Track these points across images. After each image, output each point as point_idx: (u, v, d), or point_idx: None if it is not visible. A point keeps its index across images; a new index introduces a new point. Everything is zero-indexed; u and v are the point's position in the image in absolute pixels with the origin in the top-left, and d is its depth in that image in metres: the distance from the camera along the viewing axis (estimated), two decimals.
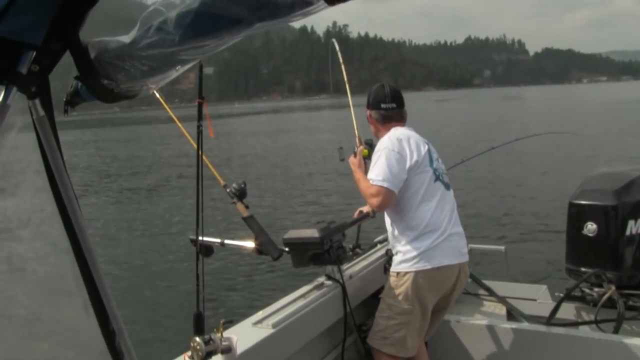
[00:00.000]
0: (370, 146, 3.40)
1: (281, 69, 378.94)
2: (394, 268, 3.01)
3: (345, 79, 4.00)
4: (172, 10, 1.06)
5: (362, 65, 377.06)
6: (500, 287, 3.94)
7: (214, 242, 2.93)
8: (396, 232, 3.04)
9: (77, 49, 1.11)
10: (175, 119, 3.04)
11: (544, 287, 4.07)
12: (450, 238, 2.97)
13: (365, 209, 3.60)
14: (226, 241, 2.99)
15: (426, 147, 3.07)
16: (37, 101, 1.13)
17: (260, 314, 2.76)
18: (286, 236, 2.98)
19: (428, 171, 3.00)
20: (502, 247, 4.21)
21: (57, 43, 1.08)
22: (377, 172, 2.95)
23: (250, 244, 2.88)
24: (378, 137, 3.19)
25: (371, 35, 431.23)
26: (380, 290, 3.56)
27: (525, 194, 14.28)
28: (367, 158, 3.37)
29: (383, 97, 3.20)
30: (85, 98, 1.25)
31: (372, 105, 3.24)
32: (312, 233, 2.93)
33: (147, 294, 8.80)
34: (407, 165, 2.95)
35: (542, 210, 12.15)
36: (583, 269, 3.55)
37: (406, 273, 2.93)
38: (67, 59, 1.13)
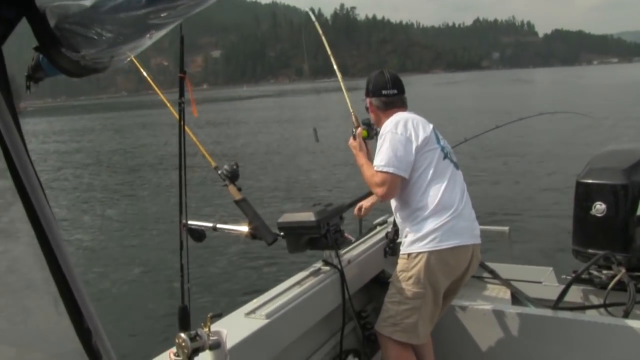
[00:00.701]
0: (369, 126, 3.28)
1: (288, 52, 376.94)
2: (404, 250, 2.88)
3: (331, 56, 3.80)
4: None
5: (370, 48, 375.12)
6: (504, 269, 3.81)
7: (206, 227, 2.84)
8: (405, 213, 2.90)
9: (33, 15, 0.98)
10: (159, 93, 2.97)
11: (550, 269, 3.91)
12: (463, 217, 2.84)
13: (367, 202, 3.52)
14: (218, 225, 2.87)
15: (431, 126, 2.97)
16: None
17: (252, 304, 2.62)
18: (280, 220, 2.88)
19: (436, 149, 2.89)
20: (505, 228, 4.02)
21: (10, 9, 0.96)
22: (382, 157, 2.84)
23: (243, 229, 2.78)
24: (379, 126, 3.07)
25: (379, 17, 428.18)
26: (379, 275, 3.54)
27: (531, 174, 14.11)
28: (368, 139, 3.26)
29: (384, 83, 3.10)
30: (49, 72, 1.14)
31: (373, 92, 3.13)
32: (308, 217, 2.82)
33: (128, 287, 8.40)
34: (414, 146, 2.84)
35: (548, 190, 11.90)
36: (591, 251, 3.42)
37: (418, 254, 2.80)
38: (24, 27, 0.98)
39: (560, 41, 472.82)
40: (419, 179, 2.83)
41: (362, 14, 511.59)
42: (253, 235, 2.75)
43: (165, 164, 19.97)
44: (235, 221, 2.89)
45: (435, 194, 2.80)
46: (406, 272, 2.82)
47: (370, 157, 3.09)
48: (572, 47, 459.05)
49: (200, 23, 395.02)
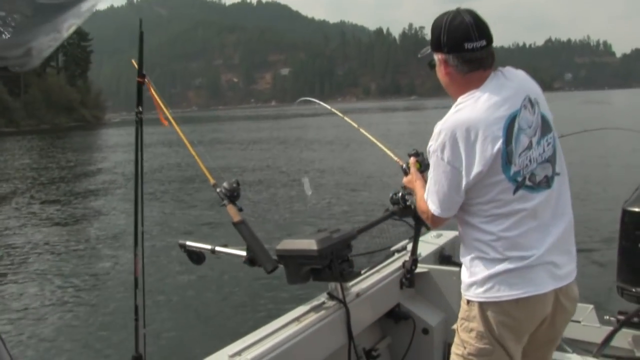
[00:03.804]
0: (419, 155, 2.75)
1: (356, 71, 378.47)
2: (463, 292, 2.19)
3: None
4: None
5: None
6: None
7: (204, 249, 2.70)
8: (466, 240, 2.17)
9: None
10: (162, 105, 2.83)
11: (590, 307, 3.45)
12: (540, 261, 2.07)
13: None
14: (217, 248, 2.69)
15: (501, 138, 1.97)
16: None
17: (239, 344, 2.30)
18: (279, 247, 2.58)
19: (499, 182, 2.01)
20: None
21: None
22: (427, 188, 2.19)
23: (243, 253, 2.59)
24: (454, 99, 2.16)
25: None
26: (394, 309, 3.25)
27: (574, 195, 13.40)
28: (422, 171, 2.66)
29: (466, 31, 2.03)
30: None
31: (449, 45, 2.07)
32: (309, 244, 2.49)
33: (75, 331, 6.94)
34: (464, 183, 2.02)
35: (591, 216, 10.71)
36: (639, 290, 3.02)
37: (474, 302, 2.14)
38: None
39: None
40: (480, 209, 2.08)
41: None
42: (252, 261, 2.55)
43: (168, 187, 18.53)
44: (237, 244, 2.66)
45: (500, 234, 2.05)
46: (467, 322, 2.19)
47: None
48: None
49: (270, 40, 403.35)
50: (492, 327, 2.10)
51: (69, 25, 0.94)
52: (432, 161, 2.13)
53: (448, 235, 3.88)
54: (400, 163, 2.98)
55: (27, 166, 27.25)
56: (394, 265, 3.31)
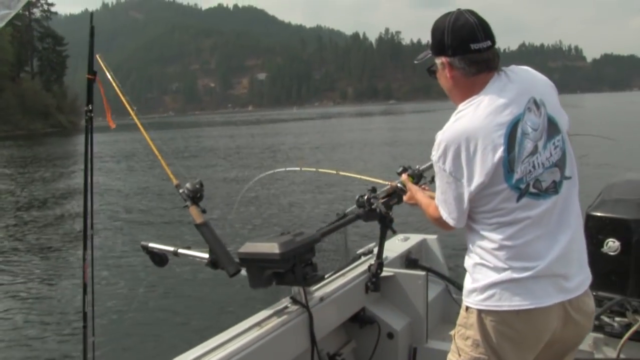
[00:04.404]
0: (406, 169, 2.78)
1: (333, 75, 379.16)
2: (464, 298, 2.09)
3: None
4: None
5: (415, 72, 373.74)
6: None
7: (167, 250, 2.65)
8: (470, 245, 2.08)
9: None
10: (133, 115, 2.78)
11: None
12: (546, 272, 1.94)
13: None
14: (180, 250, 2.64)
15: (502, 146, 1.88)
16: None
17: (197, 350, 2.23)
18: (242, 250, 2.52)
19: (502, 191, 1.92)
20: None
21: None
22: (436, 196, 2.11)
23: (205, 256, 2.55)
24: (456, 104, 2.03)
25: (423, 41, 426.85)
26: (359, 313, 3.21)
27: None
28: (418, 181, 2.74)
29: (472, 30, 1.93)
30: None
31: (454, 47, 1.96)
32: (271, 248, 2.43)
33: (21, 340, 6.58)
34: (465, 194, 1.95)
35: None
36: (601, 294, 2.99)
37: (472, 309, 2.04)
38: None
39: (610, 66, 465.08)
40: (484, 217, 2.00)
41: (407, 38, 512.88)
42: (214, 264, 2.51)
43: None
44: (201, 246, 2.60)
45: (504, 242, 1.96)
46: (464, 329, 2.09)
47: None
48: (623, 72, 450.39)
49: (247, 45, 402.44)
50: (489, 336, 2.00)
51: (1, 15, 0.89)
52: (435, 170, 2.06)
53: (415, 238, 3.86)
54: (393, 184, 2.95)
55: None
56: (359, 269, 3.26)
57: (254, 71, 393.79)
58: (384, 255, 3.24)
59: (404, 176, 2.65)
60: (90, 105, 2.09)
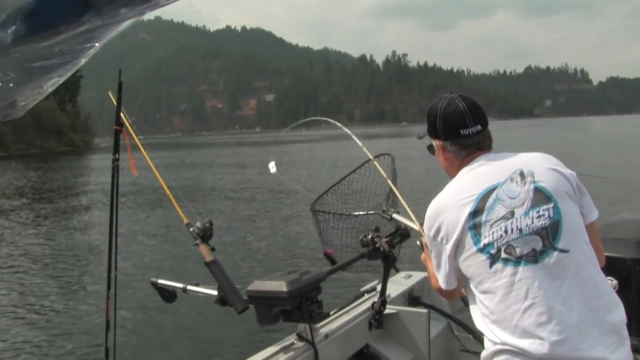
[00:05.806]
0: None
1: (340, 96, 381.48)
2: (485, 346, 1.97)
3: None
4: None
5: (422, 95, 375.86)
6: None
7: (176, 287, 2.73)
8: (471, 301, 2.05)
9: None
10: (137, 140, 2.85)
11: None
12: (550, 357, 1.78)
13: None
14: (189, 287, 2.71)
15: (469, 210, 1.92)
16: None
17: None
18: (250, 287, 2.57)
19: (473, 255, 1.92)
20: None
21: None
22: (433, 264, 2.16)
23: (214, 292, 2.62)
24: (451, 177, 2.15)
25: (430, 64, 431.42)
26: (363, 350, 3.21)
27: None
28: None
29: (461, 117, 2.05)
30: None
31: (445, 132, 2.09)
32: (280, 286, 2.48)
33: None
34: (445, 255, 2.00)
35: None
36: None
37: None
38: None
39: (616, 88, 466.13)
40: (472, 286, 1.98)
41: (413, 60, 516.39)
42: (222, 301, 2.59)
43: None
44: (209, 283, 2.68)
45: (493, 308, 1.88)
46: None
47: None
48: (629, 95, 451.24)
49: (254, 66, 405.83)
50: None
51: (53, 82, 0.98)
52: None
53: (417, 276, 3.89)
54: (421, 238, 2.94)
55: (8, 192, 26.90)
56: (363, 306, 3.28)
57: (262, 92, 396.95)
58: (387, 293, 3.26)
59: (424, 239, 2.38)
60: (117, 154, 2.16)
